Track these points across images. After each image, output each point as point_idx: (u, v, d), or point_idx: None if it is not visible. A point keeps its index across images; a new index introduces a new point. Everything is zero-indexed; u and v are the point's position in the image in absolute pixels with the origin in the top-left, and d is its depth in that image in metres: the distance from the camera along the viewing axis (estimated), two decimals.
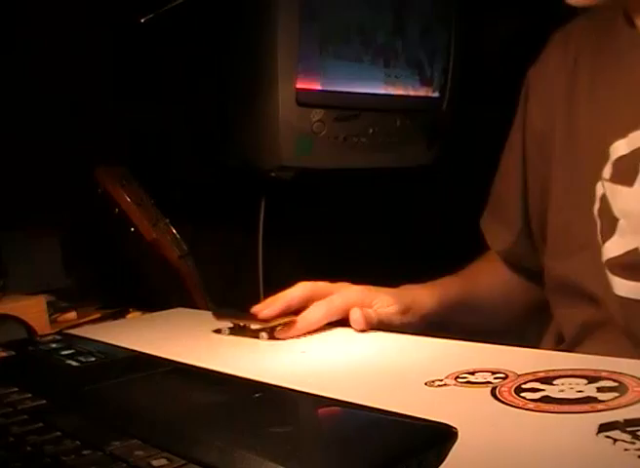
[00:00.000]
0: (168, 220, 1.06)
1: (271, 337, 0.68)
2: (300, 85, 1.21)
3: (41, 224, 1.15)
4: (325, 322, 0.72)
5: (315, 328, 0.71)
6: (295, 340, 0.68)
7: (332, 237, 1.45)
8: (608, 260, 0.71)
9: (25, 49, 1.12)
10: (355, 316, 0.71)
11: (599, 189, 0.72)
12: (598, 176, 0.72)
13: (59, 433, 0.44)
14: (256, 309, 0.72)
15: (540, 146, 0.83)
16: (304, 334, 0.70)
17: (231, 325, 0.72)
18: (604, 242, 0.72)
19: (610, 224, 0.71)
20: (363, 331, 0.70)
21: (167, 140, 1.31)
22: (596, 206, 0.73)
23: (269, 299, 0.74)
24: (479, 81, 1.55)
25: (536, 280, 0.87)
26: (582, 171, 0.75)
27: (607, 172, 0.72)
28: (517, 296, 0.93)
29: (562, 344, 0.80)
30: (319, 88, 1.24)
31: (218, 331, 0.72)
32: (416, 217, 1.57)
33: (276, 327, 0.69)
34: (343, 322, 0.71)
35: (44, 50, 1.13)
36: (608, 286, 0.71)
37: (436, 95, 1.41)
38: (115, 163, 1.07)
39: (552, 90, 0.82)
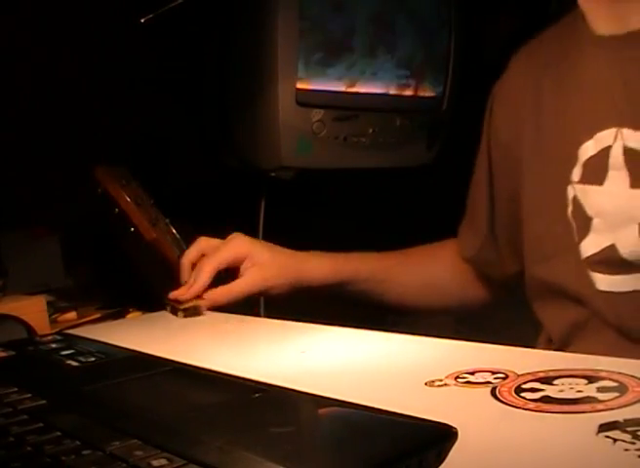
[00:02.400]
0: (168, 220, 1.06)
1: (186, 315, 0.80)
2: (300, 85, 1.21)
3: (41, 224, 1.15)
4: (213, 274, 0.83)
5: (206, 284, 0.83)
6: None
7: (332, 237, 1.45)
8: (586, 258, 0.73)
9: (25, 48, 1.12)
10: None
11: (570, 192, 0.75)
12: (567, 180, 0.75)
13: (59, 433, 0.44)
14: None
15: (506, 159, 0.86)
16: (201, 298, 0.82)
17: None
18: (580, 241, 0.74)
19: (584, 224, 0.73)
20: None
21: (167, 140, 1.31)
22: (569, 208, 0.75)
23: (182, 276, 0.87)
24: (479, 81, 1.55)
25: (500, 286, 0.94)
26: (552, 176, 0.77)
27: (576, 174, 0.74)
28: (448, 290, 0.99)
29: (552, 346, 0.81)
30: (319, 88, 1.24)
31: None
32: (416, 217, 1.57)
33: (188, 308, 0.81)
34: (344, 322, 0.71)
35: (44, 50, 1.13)
36: (590, 283, 0.73)
37: (436, 95, 1.41)
38: (115, 163, 1.07)
39: (518, 102, 0.83)
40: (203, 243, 0.87)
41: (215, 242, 0.87)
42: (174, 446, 0.40)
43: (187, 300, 0.82)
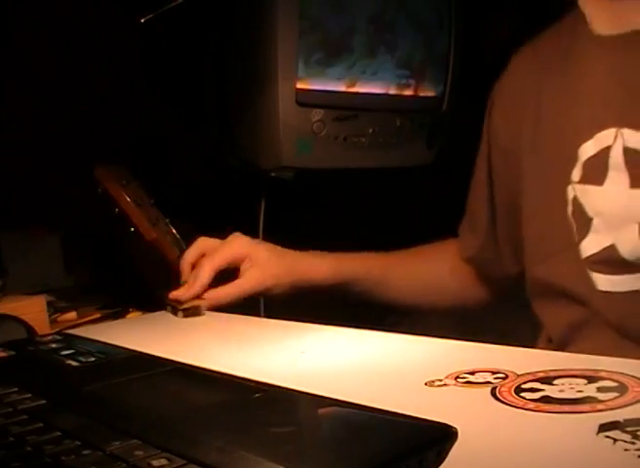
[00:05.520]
0: (168, 220, 1.06)
1: (186, 315, 0.80)
2: (300, 85, 1.21)
3: (41, 224, 1.15)
4: (212, 274, 0.83)
5: (206, 284, 0.82)
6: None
7: (332, 237, 1.45)
8: (586, 258, 0.73)
9: (26, 48, 1.12)
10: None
11: (570, 192, 0.75)
12: (567, 180, 0.75)
13: (59, 433, 0.44)
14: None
15: (506, 161, 0.86)
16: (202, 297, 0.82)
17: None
18: (580, 241, 0.74)
19: (584, 224, 0.73)
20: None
21: (167, 140, 1.31)
22: (569, 209, 0.75)
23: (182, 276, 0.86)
24: (479, 81, 1.55)
25: (499, 286, 0.94)
26: (552, 176, 0.77)
27: (576, 174, 0.74)
28: (448, 289, 0.99)
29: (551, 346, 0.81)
30: (319, 88, 1.24)
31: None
32: (415, 217, 1.57)
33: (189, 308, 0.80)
34: (344, 322, 0.71)
35: (44, 50, 1.13)
36: (590, 283, 0.73)
37: (436, 95, 1.41)
38: (115, 163, 1.07)
39: (518, 103, 0.83)
40: (202, 243, 0.87)
41: (214, 242, 0.87)
42: (174, 446, 0.40)
43: (187, 300, 0.82)
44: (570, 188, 0.75)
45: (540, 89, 0.81)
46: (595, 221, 0.72)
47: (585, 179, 0.73)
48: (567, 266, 0.75)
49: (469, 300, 0.99)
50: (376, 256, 0.95)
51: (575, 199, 0.74)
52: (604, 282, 0.72)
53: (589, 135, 0.73)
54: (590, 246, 0.73)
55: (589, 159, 0.73)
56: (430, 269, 0.98)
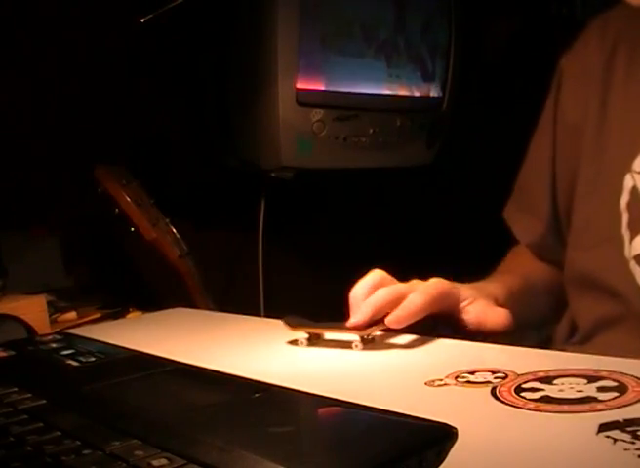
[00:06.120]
0: (168, 220, 1.06)
1: (365, 348, 0.61)
2: (300, 85, 1.21)
3: (41, 224, 1.15)
4: (428, 311, 0.65)
5: (420, 315, 0.64)
6: (390, 350, 0.61)
7: (332, 237, 1.45)
8: (638, 255, 0.69)
9: (26, 48, 1.12)
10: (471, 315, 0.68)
11: (628, 181, 0.70)
12: (627, 168, 0.70)
13: (59, 433, 0.44)
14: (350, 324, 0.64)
15: (571, 138, 0.80)
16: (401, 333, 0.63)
17: (306, 335, 0.65)
18: (633, 236, 0.69)
19: None
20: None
21: (167, 140, 1.31)
22: (624, 198, 0.71)
23: (353, 306, 0.66)
24: (479, 81, 1.55)
25: (562, 272, 0.83)
26: (611, 162, 0.73)
27: (639, 164, 0.70)
28: (557, 289, 0.86)
29: (575, 335, 0.78)
30: (319, 88, 1.24)
31: (294, 343, 0.65)
32: (416, 216, 1.57)
33: (365, 336, 0.62)
34: (344, 322, 0.71)
35: (44, 49, 1.13)
36: (632, 280, 0.69)
37: (436, 94, 1.41)
38: (115, 163, 1.07)
39: (587, 79, 0.78)
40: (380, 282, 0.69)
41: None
42: (174, 446, 0.40)
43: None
44: (629, 177, 0.70)
45: (610, 65, 0.76)
46: None
47: None
48: (608, 259, 0.72)
49: (559, 297, 0.86)
50: (509, 278, 0.83)
51: (634, 189, 0.70)
52: None
53: None
54: None
55: None
56: (541, 280, 0.87)
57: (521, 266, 0.88)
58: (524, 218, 0.88)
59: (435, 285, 0.67)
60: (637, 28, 0.76)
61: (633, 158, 0.70)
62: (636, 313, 0.70)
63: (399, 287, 0.67)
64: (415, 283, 0.68)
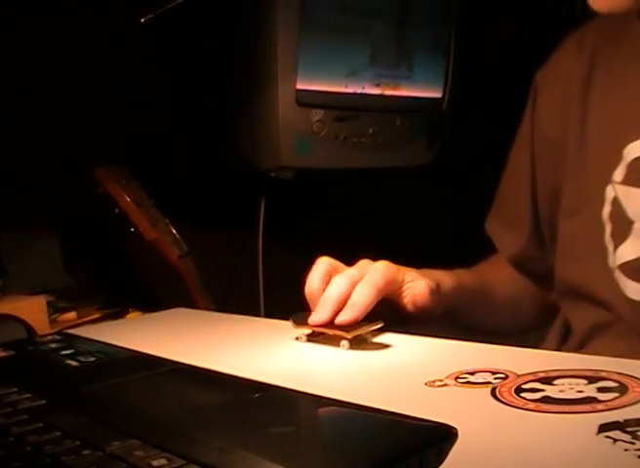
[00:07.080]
0: (168, 220, 1.06)
1: (351, 347, 0.62)
2: (299, 85, 1.21)
3: (41, 224, 1.15)
4: (375, 303, 0.66)
5: (369, 308, 0.65)
6: (376, 351, 0.61)
7: (332, 237, 1.45)
8: (622, 264, 0.69)
9: (25, 48, 1.12)
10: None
11: (609, 192, 0.71)
12: (608, 179, 0.71)
13: (58, 433, 0.44)
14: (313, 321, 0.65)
15: (552, 152, 0.81)
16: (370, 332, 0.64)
17: (309, 331, 0.66)
18: (617, 245, 0.70)
19: (623, 227, 0.69)
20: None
21: (167, 140, 1.31)
22: (606, 209, 0.71)
23: (313, 301, 0.68)
24: (479, 81, 1.55)
25: (545, 283, 0.85)
26: (592, 174, 0.74)
27: (619, 174, 0.70)
28: (527, 299, 0.89)
29: (568, 342, 0.79)
30: (319, 88, 1.24)
31: (297, 339, 0.66)
32: (415, 217, 1.57)
33: (357, 336, 0.63)
34: None
35: (44, 50, 1.13)
36: (618, 289, 0.70)
37: (436, 95, 1.41)
38: (115, 163, 1.07)
39: (565, 92, 0.79)
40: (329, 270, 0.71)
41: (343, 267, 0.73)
42: (174, 446, 0.40)
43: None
44: (609, 188, 0.71)
45: (588, 78, 0.76)
46: (637, 225, 0.68)
47: (629, 181, 0.69)
48: (594, 270, 0.72)
49: (529, 307, 0.89)
50: (470, 273, 0.84)
51: (615, 200, 0.70)
52: (636, 290, 0.68)
53: (638, 134, 0.69)
54: (628, 250, 0.69)
55: (636, 159, 0.69)
56: (505, 286, 0.88)
57: (487, 270, 0.89)
58: (505, 231, 0.88)
59: (382, 272, 0.70)
60: (614, 41, 0.76)
61: (613, 169, 0.71)
62: (625, 321, 0.70)
63: (352, 274, 0.68)
64: (363, 265, 0.71)
